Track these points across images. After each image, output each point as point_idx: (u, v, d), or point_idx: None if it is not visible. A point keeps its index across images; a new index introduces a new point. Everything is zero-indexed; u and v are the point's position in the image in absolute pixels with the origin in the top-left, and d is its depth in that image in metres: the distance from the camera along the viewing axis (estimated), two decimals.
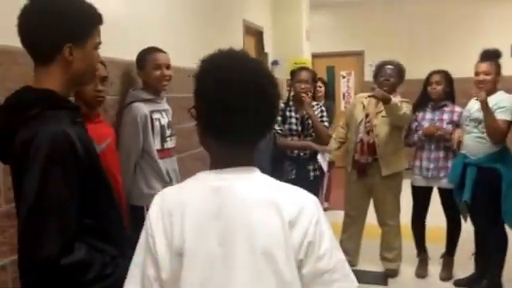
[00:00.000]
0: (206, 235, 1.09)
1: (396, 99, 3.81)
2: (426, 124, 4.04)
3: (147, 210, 2.94)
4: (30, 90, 1.45)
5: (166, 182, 2.87)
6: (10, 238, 2.04)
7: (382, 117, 3.95)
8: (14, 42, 2.05)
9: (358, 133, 4.03)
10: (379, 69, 4.11)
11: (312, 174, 4.07)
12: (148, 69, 2.89)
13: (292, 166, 3.97)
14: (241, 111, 1.10)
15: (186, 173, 3.61)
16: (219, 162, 1.17)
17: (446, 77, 4.06)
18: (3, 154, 1.51)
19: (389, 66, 4.07)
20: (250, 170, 1.17)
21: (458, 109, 4.01)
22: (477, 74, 3.62)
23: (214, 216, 1.10)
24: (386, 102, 3.70)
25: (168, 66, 2.94)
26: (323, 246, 1.11)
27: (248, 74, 1.13)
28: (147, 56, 2.90)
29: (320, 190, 5.18)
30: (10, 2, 2.07)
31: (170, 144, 2.98)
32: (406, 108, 3.86)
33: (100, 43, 1.55)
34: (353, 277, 1.16)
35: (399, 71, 4.09)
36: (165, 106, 3.02)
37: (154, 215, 1.15)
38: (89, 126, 2.35)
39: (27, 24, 1.44)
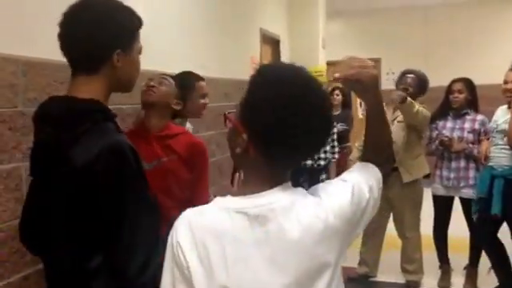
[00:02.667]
0: (252, 264, 1.04)
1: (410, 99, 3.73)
2: (446, 133, 3.98)
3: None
4: (78, 101, 1.38)
5: None
6: None
7: (398, 122, 3.89)
8: (37, 53, 2.08)
9: None
10: (400, 77, 4.06)
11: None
12: (194, 95, 2.69)
13: (305, 178, 3.95)
14: (301, 130, 1.05)
15: None
16: (258, 182, 1.10)
17: (468, 85, 3.99)
18: (39, 167, 1.45)
19: (410, 75, 3.99)
20: (285, 188, 1.11)
21: (479, 117, 3.96)
22: (505, 82, 3.57)
23: (259, 244, 1.04)
24: (403, 101, 3.63)
25: (207, 95, 2.80)
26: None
27: (310, 91, 1.09)
28: (196, 82, 2.74)
29: None
30: (35, 15, 2.09)
31: None
32: (419, 106, 3.77)
33: (141, 47, 1.54)
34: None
35: (420, 81, 3.99)
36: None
37: (188, 246, 1.06)
38: (139, 143, 2.20)
39: (74, 34, 1.41)
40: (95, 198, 1.28)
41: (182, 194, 2.31)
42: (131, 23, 1.47)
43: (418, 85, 3.97)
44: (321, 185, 1.17)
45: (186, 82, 2.68)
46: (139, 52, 1.52)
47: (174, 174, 2.29)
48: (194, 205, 2.41)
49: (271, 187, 1.09)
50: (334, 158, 4.36)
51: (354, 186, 1.15)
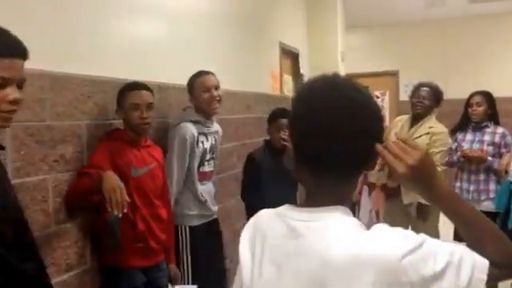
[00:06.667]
0: (281, 272, 1.01)
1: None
2: (465, 145, 3.96)
3: (183, 229, 2.88)
4: None
5: (202, 203, 2.92)
6: (58, 259, 2.09)
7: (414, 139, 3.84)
8: (64, 68, 2.14)
9: None
10: (415, 90, 4.00)
11: None
12: (197, 92, 2.90)
13: None
14: (336, 138, 0.98)
15: (224, 193, 3.63)
16: (309, 198, 1.06)
17: (488, 98, 3.96)
18: None
19: (424, 88, 3.91)
20: (334, 210, 1.01)
21: (499, 130, 3.92)
22: None
23: (290, 256, 1.01)
24: None
25: (217, 87, 2.92)
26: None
27: (348, 96, 1.01)
28: (195, 79, 2.91)
29: (357, 211, 5.09)
30: (60, 30, 2.16)
31: (206, 168, 2.98)
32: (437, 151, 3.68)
33: (8, 79, 1.28)
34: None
35: (435, 94, 3.92)
36: (213, 127, 3.01)
37: (246, 238, 1.11)
38: (131, 151, 2.41)
39: None
40: None
41: (163, 193, 2.62)
42: None
43: (432, 97, 3.90)
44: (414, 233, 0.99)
45: (190, 80, 2.94)
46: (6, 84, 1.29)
47: (158, 177, 2.56)
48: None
49: (322, 204, 1.02)
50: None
51: (455, 255, 0.93)
